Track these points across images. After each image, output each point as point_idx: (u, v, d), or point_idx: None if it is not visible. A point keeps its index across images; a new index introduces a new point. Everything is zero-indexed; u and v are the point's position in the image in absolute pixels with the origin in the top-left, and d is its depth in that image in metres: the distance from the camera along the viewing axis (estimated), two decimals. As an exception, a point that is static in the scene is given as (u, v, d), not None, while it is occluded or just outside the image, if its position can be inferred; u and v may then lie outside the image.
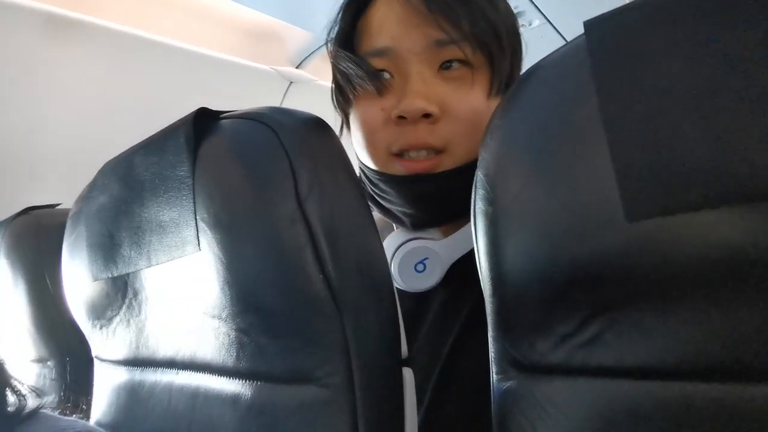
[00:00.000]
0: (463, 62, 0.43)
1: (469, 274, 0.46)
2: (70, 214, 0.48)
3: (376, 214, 0.55)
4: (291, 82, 1.32)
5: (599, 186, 0.24)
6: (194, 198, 0.33)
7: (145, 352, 0.42)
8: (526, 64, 0.49)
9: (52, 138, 0.99)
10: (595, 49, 0.25)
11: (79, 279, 0.45)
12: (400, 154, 0.45)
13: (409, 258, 0.46)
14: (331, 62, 0.48)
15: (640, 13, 0.24)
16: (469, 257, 0.46)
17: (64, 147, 1.01)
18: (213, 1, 1.08)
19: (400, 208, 0.47)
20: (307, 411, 0.31)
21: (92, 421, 0.46)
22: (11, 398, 0.34)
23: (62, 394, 0.68)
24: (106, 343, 0.46)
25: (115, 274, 0.41)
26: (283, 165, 0.32)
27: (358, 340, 0.31)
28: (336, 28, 0.47)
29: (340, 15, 0.47)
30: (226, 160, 0.33)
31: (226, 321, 0.33)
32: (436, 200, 0.45)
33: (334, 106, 0.51)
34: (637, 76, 0.23)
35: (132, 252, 0.39)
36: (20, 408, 0.34)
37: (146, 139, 0.40)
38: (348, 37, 0.47)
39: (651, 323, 0.23)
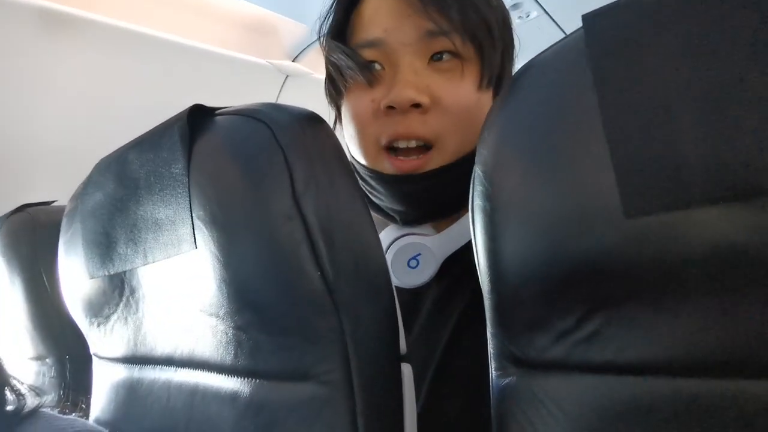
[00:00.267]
0: (454, 54, 0.43)
1: (462, 269, 0.46)
2: (65, 212, 0.47)
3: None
4: (287, 76, 1.31)
5: (598, 182, 0.24)
6: (190, 195, 0.33)
7: (143, 350, 0.42)
8: (524, 56, 0.49)
9: (46, 134, 0.98)
10: (593, 43, 0.24)
11: (75, 277, 0.45)
12: (390, 148, 0.45)
13: (402, 254, 0.46)
14: (324, 55, 0.48)
15: (639, 8, 0.23)
16: (463, 252, 0.47)
17: (59, 143, 1.00)
18: (207, -6, 1.07)
19: (389, 206, 0.47)
20: (305, 408, 0.31)
21: (91, 419, 0.46)
22: (10, 397, 0.34)
23: (61, 391, 0.68)
24: (104, 341, 0.46)
25: (112, 272, 0.41)
26: (278, 161, 0.31)
27: (356, 337, 0.31)
28: (329, 20, 0.47)
29: (333, 6, 0.47)
30: (222, 157, 0.33)
31: (223, 319, 0.33)
32: (425, 199, 0.45)
33: (328, 100, 0.51)
34: (636, 71, 0.23)
35: (128, 250, 0.39)
36: (19, 407, 0.34)
37: (141, 135, 0.40)
38: (341, 29, 0.47)
39: (649, 319, 0.23)
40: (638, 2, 0.24)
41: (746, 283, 0.21)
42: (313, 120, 0.35)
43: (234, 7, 1.12)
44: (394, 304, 0.34)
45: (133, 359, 0.43)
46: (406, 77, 0.43)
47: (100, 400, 0.46)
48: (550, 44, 0.28)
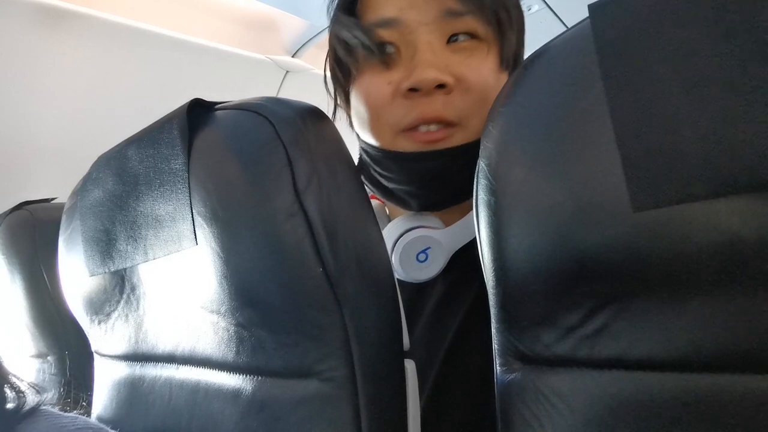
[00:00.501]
0: (473, 35, 0.42)
1: (469, 264, 0.45)
2: (65, 209, 0.47)
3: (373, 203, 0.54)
4: (287, 71, 1.30)
5: (604, 175, 0.23)
6: (190, 191, 0.33)
7: (144, 347, 0.41)
8: (525, 51, 0.49)
9: (46, 131, 0.98)
10: (600, 33, 0.24)
11: (76, 274, 0.45)
12: (410, 129, 0.42)
13: (411, 247, 0.45)
14: (330, 32, 0.45)
15: None
16: (470, 247, 0.46)
17: (58, 140, 1.00)
18: (206, -10, 1.07)
19: (405, 188, 0.44)
20: (308, 405, 0.30)
21: (93, 416, 0.46)
22: (10, 395, 0.34)
23: (62, 389, 0.68)
24: (105, 338, 0.46)
25: (112, 269, 0.40)
26: (279, 157, 0.31)
27: (359, 333, 0.31)
28: None
29: None
30: (222, 153, 0.32)
31: (224, 316, 0.33)
32: (445, 178, 0.43)
33: (331, 82, 0.48)
34: (644, 61, 0.22)
35: (128, 247, 0.38)
36: (20, 405, 0.34)
37: (140, 131, 0.40)
38: (350, 6, 0.44)
39: (657, 314, 0.23)
40: None
41: (757, 276, 0.21)
42: (314, 114, 0.34)
43: (233, 2, 1.11)
44: (397, 300, 0.34)
45: (135, 357, 0.43)
46: (427, 57, 0.40)
47: (102, 398, 0.46)
48: (552, 38, 0.28)
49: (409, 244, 0.45)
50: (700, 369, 0.22)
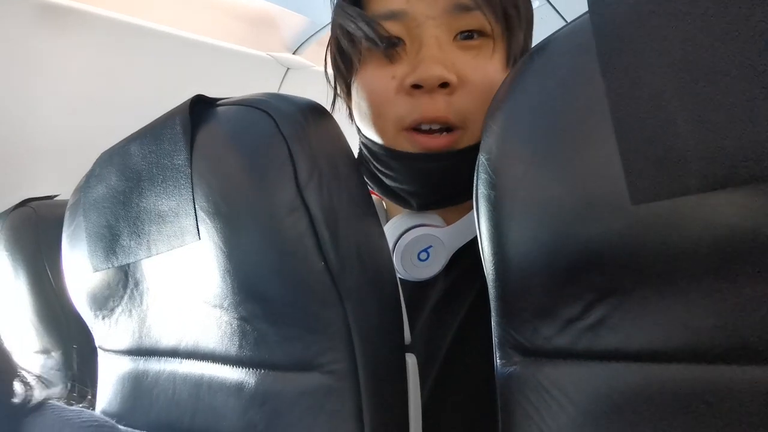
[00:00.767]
0: (481, 32, 0.41)
1: (471, 263, 0.45)
2: (68, 205, 0.47)
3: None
4: (288, 69, 1.30)
5: (604, 168, 0.23)
6: (192, 187, 0.33)
7: (148, 342, 0.42)
8: (528, 46, 0.48)
9: (48, 128, 0.98)
10: (599, 28, 0.24)
11: (79, 270, 0.45)
12: (413, 128, 0.42)
13: (412, 246, 0.45)
14: (334, 20, 0.44)
15: None
16: (471, 245, 0.45)
17: (61, 137, 1.00)
18: (207, -13, 1.07)
19: (406, 187, 0.44)
20: (311, 398, 0.31)
21: (97, 411, 0.46)
22: (19, 389, 0.34)
23: (67, 384, 0.68)
24: (109, 333, 0.46)
25: (115, 265, 0.41)
26: (281, 152, 0.31)
27: (361, 327, 0.31)
28: None
29: None
30: (224, 148, 0.33)
31: (227, 310, 0.33)
32: (448, 179, 0.42)
33: (332, 73, 0.47)
34: (644, 57, 0.23)
35: (131, 242, 0.38)
36: (28, 398, 0.34)
37: (143, 127, 0.40)
38: None
39: (656, 306, 0.23)
40: None
41: (754, 268, 0.21)
42: (316, 110, 0.35)
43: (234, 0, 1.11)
44: (398, 294, 0.34)
45: (138, 351, 0.43)
46: (433, 53, 0.39)
47: (106, 393, 0.46)
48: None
49: (411, 243, 0.45)
50: (698, 360, 0.22)
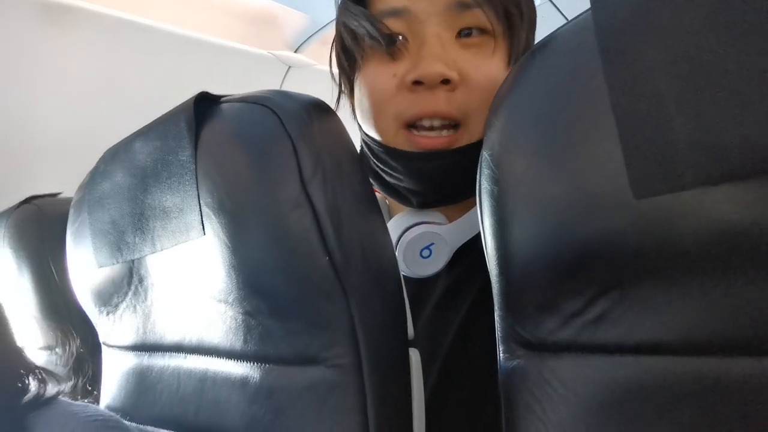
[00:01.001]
0: (483, 30, 0.41)
1: (473, 260, 0.45)
2: (72, 202, 0.48)
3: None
4: (290, 67, 1.30)
5: (606, 164, 0.24)
6: (197, 183, 0.33)
7: (152, 338, 0.42)
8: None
9: (51, 126, 0.98)
10: (601, 24, 0.24)
11: (84, 266, 0.46)
12: (412, 126, 0.42)
13: (415, 243, 0.45)
14: (338, 18, 0.45)
15: None
16: (473, 243, 0.45)
17: (62, 136, 1.00)
18: (209, -15, 1.07)
19: (406, 185, 0.44)
20: (315, 392, 0.31)
21: (102, 406, 0.47)
22: (33, 385, 0.34)
23: (71, 380, 0.69)
24: (114, 329, 0.46)
25: (120, 261, 0.41)
26: (285, 148, 0.31)
27: (365, 322, 0.31)
28: None
29: None
30: (228, 144, 0.33)
31: (232, 305, 0.34)
32: (448, 178, 0.42)
33: (338, 71, 0.47)
34: (645, 53, 0.23)
35: (136, 238, 0.39)
36: (40, 394, 0.34)
37: (147, 124, 0.40)
38: None
39: (658, 300, 0.23)
40: None
41: (754, 262, 0.21)
42: (319, 107, 0.35)
43: (235, -3, 1.11)
44: (401, 289, 0.34)
45: (143, 347, 0.43)
46: (434, 50, 0.40)
47: (111, 388, 0.47)
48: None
49: (413, 240, 0.45)
50: (700, 353, 0.23)
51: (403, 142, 0.42)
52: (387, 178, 0.45)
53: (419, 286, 0.48)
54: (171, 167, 0.35)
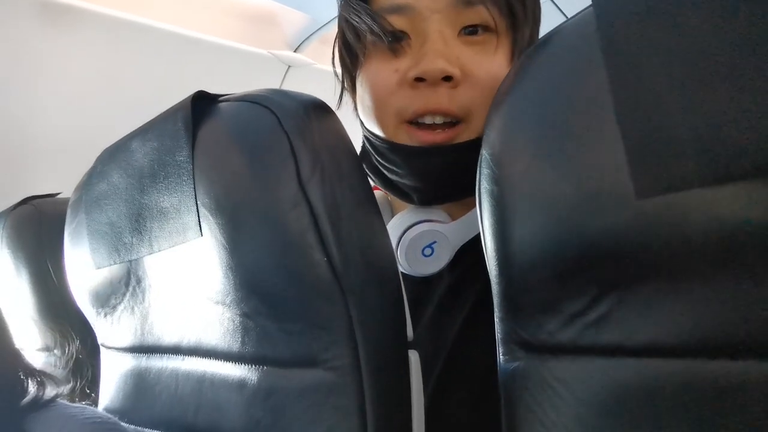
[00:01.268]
0: (486, 27, 0.41)
1: (476, 258, 0.45)
2: (70, 202, 0.47)
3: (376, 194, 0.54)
4: (289, 66, 1.30)
5: (608, 162, 0.23)
6: (194, 183, 0.33)
7: (150, 339, 0.42)
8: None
9: (50, 126, 0.98)
10: (603, 20, 0.24)
11: (81, 267, 0.45)
12: (414, 122, 0.42)
13: (417, 241, 0.45)
14: (340, 14, 0.45)
15: None
16: (476, 241, 0.45)
17: (62, 135, 1.00)
18: (208, -16, 1.06)
19: (407, 182, 0.44)
20: (314, 394, 0.31)
21: (100, 408, 0.46)
22: (31, 387, 0.34)
23: (70, 381, 0.69)
24: (112, 331, 0.46)
25: (117, 262, 0.41)
26: (283, 148, 0.31)
27: (364, 323, 0.31)
28: None
29: None
30: (226, 144, 0.33)
31: (230, 306, 0.33)
32: (449, 175, 0.42)
33: (341, 68, 0.47)
34: (648, 49, 0.22)
35: (133, 239, 0.38)
36: (39, 396, 0.34)
37: (144, 124, 0.40)
38: None
39: (660, 301, 0.23)
40: None
41: (757, 262, 0.21)
42: (318, 107, 0.35)
43: (234, -3, 1.11)
44: (401, 291, 0.34)
45: (141, 348, 0.43)
46: (436, 47, 0.39)
47: (109, 390, 0.46)
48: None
49: (415, 238, 0.45)
50: (702, 355, 0.22)
51: (404, 136, 0.42)
52: (388, 174, 0.45)
53: (422, 285, 0.47)
54: (168, 167, 0.35)
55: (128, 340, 0.44)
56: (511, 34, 0.42)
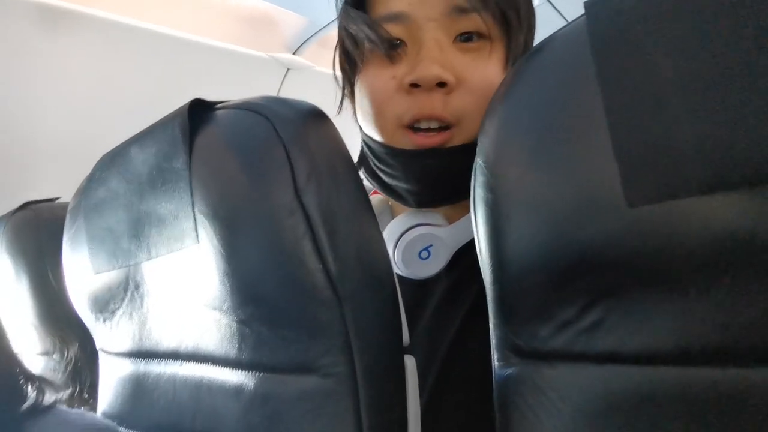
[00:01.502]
0: (480, 35, 0.42)
1: (473, 262, 0.45)
2: (69, 208, 0.48)
3: (373, 198, 0.54)
4: (288, 69, 1.30)
5: (601, 170, 0.23)
6: (191, 190, 0.33)
7: (148, 344, 0.42)
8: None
9: (49, 131, 0.98)
10: (595, 30, 0.24)
11: (80, 272, 0.46)
12: (410, 127, 0.43)
13: (413, 244, 0.45)
14: (339, 23, 0.46)
15: None
16: (473, 244, 0.46)
17: (61, 140, 1.00)
18: (207, -12, 1.07)
19: (404, 185, 0.45)
20: (310, 400, 0.31)
21: (99, 413, 0.47)
22: (30, 393, 0.34)
23: (69, 387, 0.69)
24: (110, 336, 0.46)
25: (116, 268, 0.41)
26: (279, 155, 0.31)
27: (359, 329, 0.31)
28: None
29: None
30: (223, 152, 0.33)
31: (226, 313, 0.33)
32: (444, 177, 0.43)
33: (341, 74, 0.48)
34: (639, 59, 0.23)
35: (132, 245, 0.39)
36: (38, 402, 0.34)
37: (142, 130, 0.40)
38: None
39: (652, 308, 0.23)
40: None
41: (749, 271, 0.21)
42: (314, 114, 0.35)
43: (234, 0, 1.11)
44: (397, 297, 0.34)
45: (139, 354, 0.43)
46: (432, 54, 0.41)
47: (107, 395, 0.46)
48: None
49: (412, 241, 0.45)
50: (694, 363, 0.22)
51: (401, 140, 0.43)
52: (385, 177, 0.46)
53: (419, 288, 0.48)
54: (165, 174, 0.35)
55: (126, 345, 0.44)
56: (506, 41, 0.43)
